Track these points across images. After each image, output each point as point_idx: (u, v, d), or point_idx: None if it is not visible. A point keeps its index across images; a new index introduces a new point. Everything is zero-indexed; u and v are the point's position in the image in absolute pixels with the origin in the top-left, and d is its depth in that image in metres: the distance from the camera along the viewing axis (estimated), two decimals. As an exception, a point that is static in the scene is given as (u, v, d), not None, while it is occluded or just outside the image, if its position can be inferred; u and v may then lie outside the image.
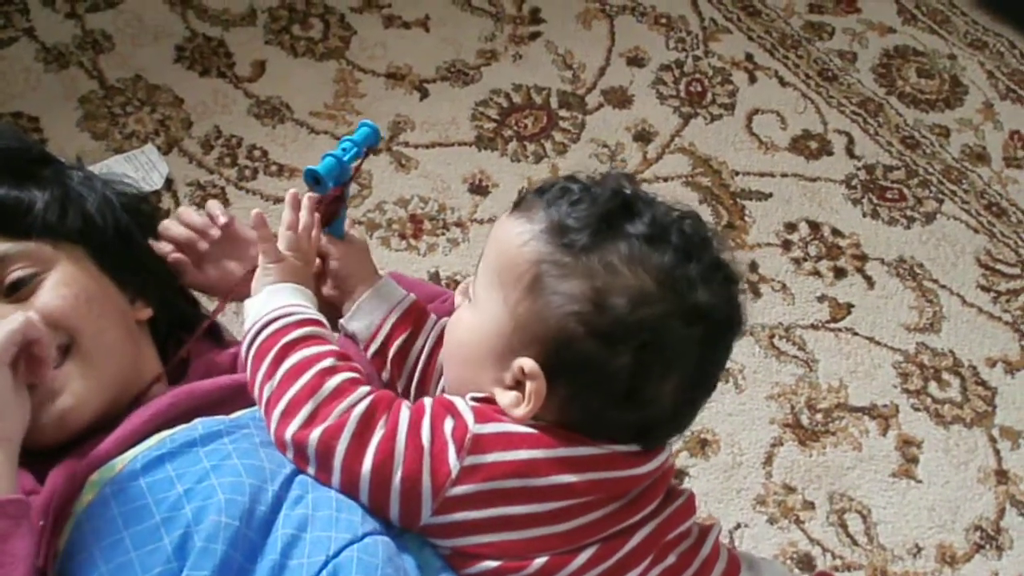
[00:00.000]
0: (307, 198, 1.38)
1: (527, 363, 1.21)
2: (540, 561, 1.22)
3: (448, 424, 1.21)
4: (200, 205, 1.97)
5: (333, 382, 1.21)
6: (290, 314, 1.27)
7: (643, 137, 2.29)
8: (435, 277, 2.01)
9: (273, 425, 1.21)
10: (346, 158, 1.33)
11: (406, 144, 2.20)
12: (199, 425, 1.22)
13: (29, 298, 1.28)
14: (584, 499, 1.21)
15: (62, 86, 2.19)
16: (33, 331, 1.20)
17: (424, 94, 2.29)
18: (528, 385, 1.21)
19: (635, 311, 1.18)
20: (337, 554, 1.14)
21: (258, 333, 1.25)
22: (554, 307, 1.21)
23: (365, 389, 1.22)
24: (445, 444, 1.20)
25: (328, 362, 1.23)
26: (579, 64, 2.38)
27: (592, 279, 1.20)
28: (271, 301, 1.29)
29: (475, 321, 1.27)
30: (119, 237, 1.41)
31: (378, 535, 1.17)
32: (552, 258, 1.22)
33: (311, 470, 1.19)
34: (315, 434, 1.19)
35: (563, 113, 2.30)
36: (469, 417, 1.22)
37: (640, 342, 1.18)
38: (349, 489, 1.19)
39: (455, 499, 1.19)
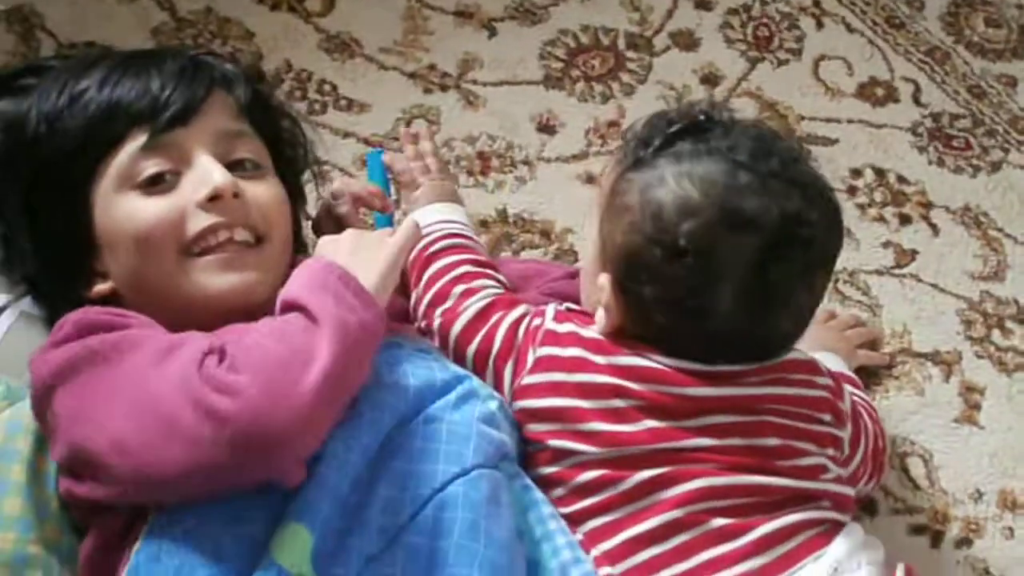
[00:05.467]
0: (424, 129, 1.73)
1: (601, 277, 1.35)
2: (640, 476, 1.31)
3: (536, 321, 1.41)
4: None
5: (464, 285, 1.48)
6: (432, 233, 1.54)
7: (710, 80, 2.29)
8: (503, 214, 2.02)
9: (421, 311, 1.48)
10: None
11: (474, 82, 2.21)
12: None
13: (247, 181, 1.44)
14: (623, 403, 1.33)
15: (134, 17, 2.20)
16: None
17: (492, 32, 2.29)
18: (604, 299, 1.34)
19: (680, 220, 1.29)
20: (443, 487, 1.18)
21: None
22: (620, 219, 1.35)
23: (491, 291, 1.46)
24: (530, 339, 1.39)
25: (463, 269, 1.49)
26: (646, 6, 2.37)
27: (645, 192, 1.33)
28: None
29: (588, 246, 1.45)
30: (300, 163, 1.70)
31: (484, 468, 1.21)
32: (623, 176, 1.37)
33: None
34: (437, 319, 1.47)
35: (630, 55, 2.30)
36: (550, 316, 1.41)
37: (686, 250, 1.29)
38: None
39: (525, 387, 1.38)
